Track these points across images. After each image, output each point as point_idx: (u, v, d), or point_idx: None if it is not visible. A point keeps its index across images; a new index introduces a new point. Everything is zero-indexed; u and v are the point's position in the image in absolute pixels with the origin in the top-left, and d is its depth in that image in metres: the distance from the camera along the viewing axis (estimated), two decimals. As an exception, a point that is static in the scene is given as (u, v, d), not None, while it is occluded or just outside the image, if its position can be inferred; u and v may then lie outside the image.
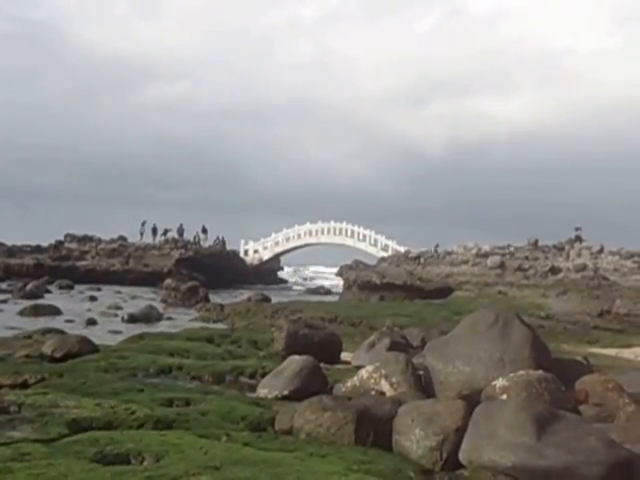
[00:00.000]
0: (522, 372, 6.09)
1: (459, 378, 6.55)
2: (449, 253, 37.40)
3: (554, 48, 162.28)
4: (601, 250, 34.08)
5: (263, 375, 8.09)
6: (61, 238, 51.20)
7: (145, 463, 4.45)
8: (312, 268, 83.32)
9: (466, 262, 35.56)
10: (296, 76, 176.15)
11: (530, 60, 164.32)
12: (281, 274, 63.40)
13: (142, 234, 51.28)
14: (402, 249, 44.66)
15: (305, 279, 70.23)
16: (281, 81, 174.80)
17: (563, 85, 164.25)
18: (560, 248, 35.43)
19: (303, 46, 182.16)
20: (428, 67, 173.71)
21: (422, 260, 37.91)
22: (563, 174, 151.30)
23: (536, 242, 36.13)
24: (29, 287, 28.95)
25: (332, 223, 53.66)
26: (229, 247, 54.33)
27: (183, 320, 20.30)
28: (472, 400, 5.58)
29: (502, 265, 34.08)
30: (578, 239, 35.93)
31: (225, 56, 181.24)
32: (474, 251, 36.07)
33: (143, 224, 51.62)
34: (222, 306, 24.10)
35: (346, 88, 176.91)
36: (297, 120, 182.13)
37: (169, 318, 20.84)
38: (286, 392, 7.25)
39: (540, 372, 6.10)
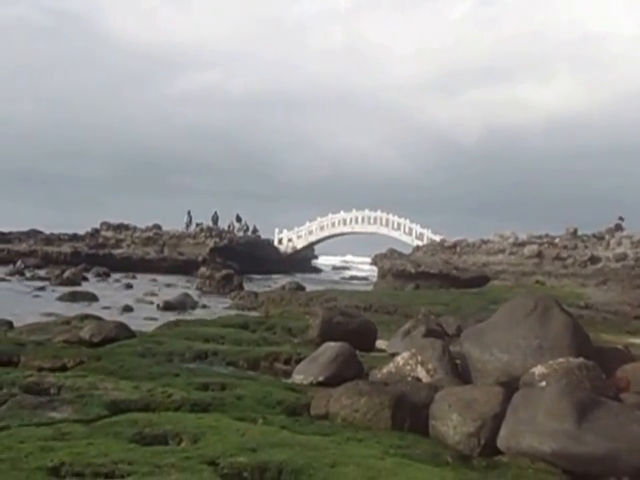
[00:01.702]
0: (562, 359, 5.96)
1: (496, 365, 6.45)
2: (485, 242, 37.02)
3: (591, 33, 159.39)
4: (642, 239, 33.43)
5: (298, 361, 8.05)
6: (97, 226, 51.88)
7: (183, 444, 4.47)
8: (346, 257, 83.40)
9: (503, 251, 35.13)
10: (328, 64, 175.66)
11: (567, 46, 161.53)
12: (316, 262, 63.54)
13: (188, 225, 51.68)
14: (437, 238, 44.36)
15: (339, 268, 70.25)
16: (313, 69, 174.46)
17: (600, 70, 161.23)
18: (600, 237, 34.82)
19: (335, 34, 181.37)
20: (462, 54, 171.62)
21: (458, 249, 37.61)
22: (602, 159, 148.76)
23: (575, 231, 35.55)
24: (67, 274, 29.45)
25: (366, 212, 53.53)
26: (263, 236, 54.63)
27: (218, 308, 20.46)
28: (510, 387, 5.50)
29: (540, 254, 33.58)
30: (619, 228, 35.30)
31: (257, 45, 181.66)
32: (511, 240, 35.61)
33: (189, 213, 52.13)
34: (256, 294, 24.24)
35: (378, 76, 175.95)
36: (329, 108, 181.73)
37: (204, 306, 21.01)
38: (321, 378, 7.21)
39: (580, 359, 5.97)
